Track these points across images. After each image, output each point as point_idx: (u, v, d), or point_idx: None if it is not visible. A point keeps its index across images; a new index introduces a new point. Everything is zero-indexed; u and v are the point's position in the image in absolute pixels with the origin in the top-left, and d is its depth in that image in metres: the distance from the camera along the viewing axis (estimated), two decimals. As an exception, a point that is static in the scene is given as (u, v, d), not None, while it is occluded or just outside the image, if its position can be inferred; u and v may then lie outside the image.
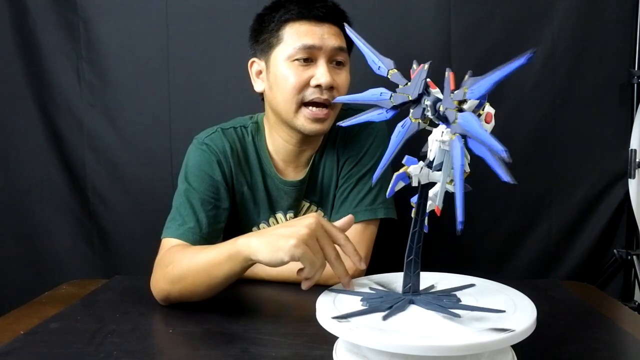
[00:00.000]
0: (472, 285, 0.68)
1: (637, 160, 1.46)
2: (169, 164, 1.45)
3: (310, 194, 1.10)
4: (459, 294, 0.65)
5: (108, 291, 0.99)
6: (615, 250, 1.48)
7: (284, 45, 0.97)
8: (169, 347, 0.75)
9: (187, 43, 1.45)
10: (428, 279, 0.71)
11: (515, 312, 0.59)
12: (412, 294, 0.64)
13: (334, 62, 0.99)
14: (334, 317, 0.58)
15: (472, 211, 1.45)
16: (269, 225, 1.08)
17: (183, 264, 0.83)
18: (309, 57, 0.96)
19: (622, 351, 0.74)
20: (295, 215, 1.10)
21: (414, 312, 0.60)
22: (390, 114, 0.59)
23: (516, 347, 0.59)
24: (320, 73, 0.96)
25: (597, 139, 1.46)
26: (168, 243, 0.94)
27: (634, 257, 1.44)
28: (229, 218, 1.04)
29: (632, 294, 1.50)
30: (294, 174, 1.09)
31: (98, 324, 0.79)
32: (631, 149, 1.46)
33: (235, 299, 0.93)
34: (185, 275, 0.82)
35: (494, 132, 0.50)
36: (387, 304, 0.61)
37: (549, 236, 1.47)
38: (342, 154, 1.08)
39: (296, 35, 0.96)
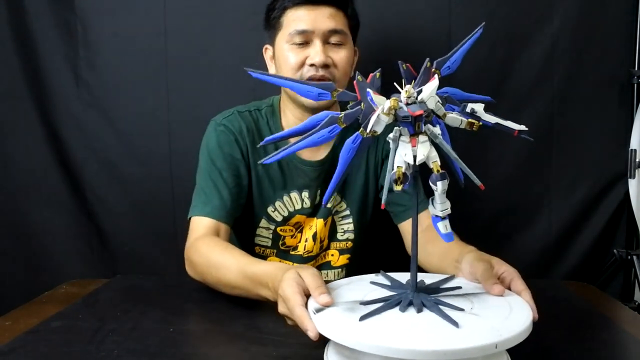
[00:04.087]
0: (459, 287, 0.69)
1: (637, 160, 1.45)
2: (168, 163, 1.45)
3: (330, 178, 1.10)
4: (452, 293, 0.67)
5: (109, 290, 0.99)
6: (615, 250, 1.48)
7: (284, 31, 1.05)
8: (169, 346, 0.75)
9: (185, 42, 1.45)
10: (427, 278, 0.72)
11: (510, 314, 0.59)
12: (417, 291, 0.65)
13: (330, 43, 1.04)
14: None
15: (471, 211, 1.45)
16: (283, 204, 1.11)
17: (212, 274, 0.90)
18: (304, 41, 1.03)
19: (622, 351, 0.74)
20: (310, 195, 1.11)
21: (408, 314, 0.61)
22: (333, 134, 0.61)
23: (516, 347, 0.59)
24: (314, 52, 1.02)
25: (597, 139, 1.46)
26: (196, 223, 1.01)
27: (634, 257, 1.44)
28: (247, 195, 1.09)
29: (632, 294, 1.50)
30: (312, 154, 1.10)
31: (99, 322, 0.79)
32: (631, 149, 1.46)
33: (236, 298, 0.93)
34: (213, 284, 0.90)
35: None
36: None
37: (549, 236, 1.47)
38: None
39: (292, 22, 1.03)
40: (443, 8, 1.42)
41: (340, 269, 1.17)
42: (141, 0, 1.45)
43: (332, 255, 1.17)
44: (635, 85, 1.44)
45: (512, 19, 1.42)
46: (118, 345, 0.70)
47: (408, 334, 0.55)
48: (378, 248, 1.27)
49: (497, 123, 0.60)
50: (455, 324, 0.57)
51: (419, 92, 0.59)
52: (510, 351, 0.64)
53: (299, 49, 1.03)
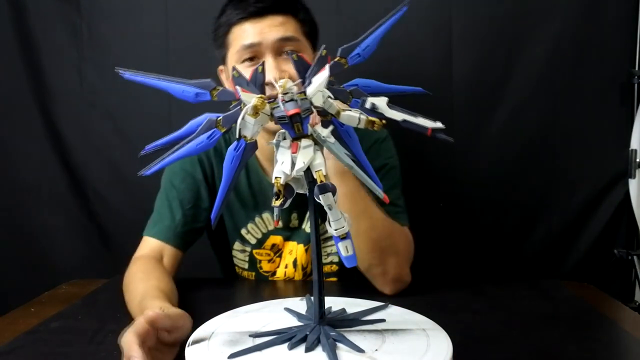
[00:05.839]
0: (382, 320, 0.63)
1: (637, 160, 1.45)
2: (170, 163, 1.46)
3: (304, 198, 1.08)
4: (367, 327, 0.60)
5: (109, 291, 0.99)
6: (615, 250, 1.48)
7: (232, 50, 0.97)
8: (169, 346, 0.75)
9: (187, 43, 1.45)
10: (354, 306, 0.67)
11: (425, 354, 0.53)
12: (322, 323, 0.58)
13: (285, 54, 0.94)
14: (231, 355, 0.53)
15: (473, 211, 1.45)
16: (256, 226, 1.06)
17: (125, 298, 0.85)
18: (254, 56, 0.94)
19: (622, 351, 0.74)
20: (284, 216, 1.05)
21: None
22: (213, 140, 0.54)
23: (516, 347, 0.59)
24: (267, 69, 0.91)
25: (597, 139, 1.46)
26: (143, 242, 1.00)
27: (634, 257, 1.44)
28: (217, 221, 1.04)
29: (632, 294, 1.50)
30: None
31: (99, 323, 0.79)
32: (631, 149, 1.46)
33: (235, 298, 0.93)
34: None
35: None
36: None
37: (549, 236, 1.47)
38: None
39: (238, 37, 0.95)
40: (443, 8, 1.42)
41: None
42: (144, 1, 1.46)
43: None
44: (636, 85, 1.43)
45: (512, 19, 1.42)
46: (118, 346, 0.70)
47: None
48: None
49: (404, 120, 0.51)
50: None
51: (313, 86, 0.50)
52: (510, 351, 0.64)
53: (250, 67, 0.92)
